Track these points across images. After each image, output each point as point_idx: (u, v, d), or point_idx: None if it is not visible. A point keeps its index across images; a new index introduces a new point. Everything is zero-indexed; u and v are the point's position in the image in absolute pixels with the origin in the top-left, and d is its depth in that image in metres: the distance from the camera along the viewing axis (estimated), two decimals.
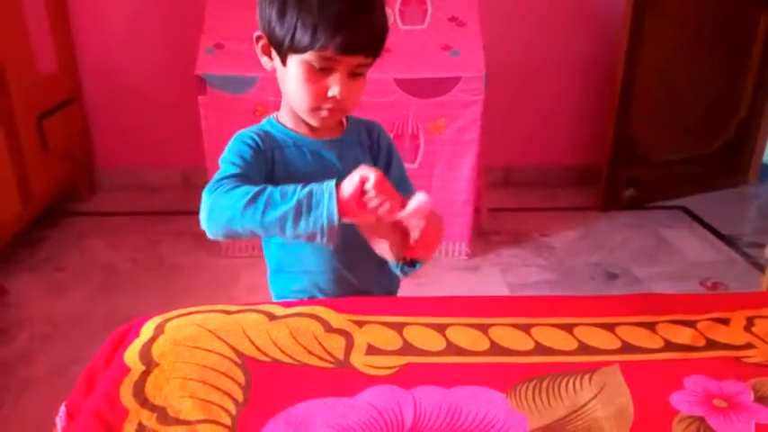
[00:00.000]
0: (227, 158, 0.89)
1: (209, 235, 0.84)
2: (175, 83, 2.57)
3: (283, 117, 0.97)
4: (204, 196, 0.82)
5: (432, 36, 2.08)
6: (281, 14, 0.83)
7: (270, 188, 0.79)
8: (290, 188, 0.78)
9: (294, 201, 0.76)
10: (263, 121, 0.98)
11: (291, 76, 0.87)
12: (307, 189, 0.77)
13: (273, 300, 1.07)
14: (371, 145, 1.01)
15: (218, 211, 0.81)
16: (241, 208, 0.78)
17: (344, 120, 1.00)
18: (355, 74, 0.86)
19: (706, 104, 2.70)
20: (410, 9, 2.10)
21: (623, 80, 2.45)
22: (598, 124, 2.71)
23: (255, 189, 0.79)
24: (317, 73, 0.85)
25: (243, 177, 0.84)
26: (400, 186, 0.96)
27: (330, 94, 0.85)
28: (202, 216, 0.82)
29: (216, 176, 0.85)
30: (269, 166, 0.92)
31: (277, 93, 2.07)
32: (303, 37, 0.81)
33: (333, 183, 0.77)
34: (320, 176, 0.79)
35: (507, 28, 2.62)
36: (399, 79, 2.00)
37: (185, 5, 2.49)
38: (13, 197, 2.09)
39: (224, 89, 1.99)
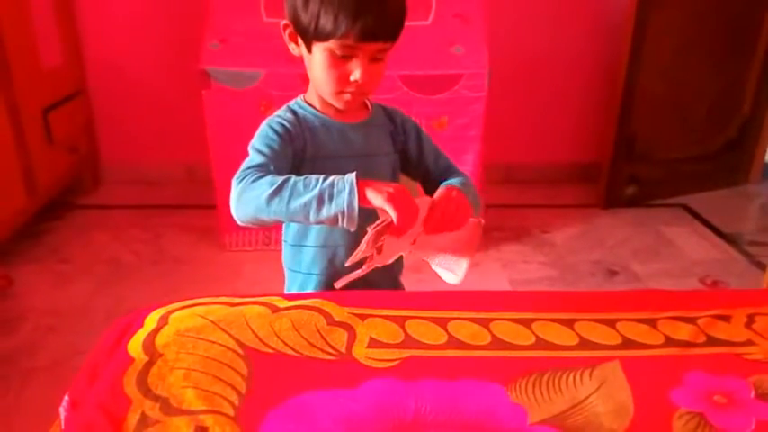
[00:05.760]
0: (256, 146, 0.93)
1: (238, 222, 0.88)
2: (180, 77, 2.57)
3: (311, 98, 1.00)
4: (233, 185, 0.87)
5: (436, 32, 2.08)
6: (305, 4, 0.87)
7: (293, 178, 0.84)
8: (312, 179, 0.83)
9: (317, 190, 0.81)
10: (292, 102, 1.01)
11: (316, 62, 0.91)
12: (329, 180, 0.82)
13: (286, 275, 1.09)
14: (395, 130, 1.05)
15: (246, 200, 0.85)
16: (267, 198, 0.83)
17: (369, 104, 1.04)
18: (376, 58, 0.90)
19: (708, 103, 2.70)
20: (415, 5, 2.09)
21: (626, 78, 2.45)
22: (600, 121, 2.71)
23: (280, 179, 0.84)
24: (340, 59, 0.89)
25: (268, 167, 0.89)
26: (438, 160, 1.07)
27: (352, 78, 0.90)
28: (232, 204, 0.87)
29: (244, 164, 0.90)
30: (300, 148, 0.96)
31: (280, 87, 2.07)
32: (325, 25, 0.85)
33: (353, 175, 0.81)
34: (347, 158, 0.87)
35: (511, 25, 2.61)
36: (403, 76, 2.00)
37: (190, 0, 2.49)
38: (18, 189, 2.10)
39: (228, 84, 1.99)
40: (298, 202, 0.82)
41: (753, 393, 0.78)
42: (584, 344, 0.86)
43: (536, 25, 2.69)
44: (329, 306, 0.90)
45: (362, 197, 0.81)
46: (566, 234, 2.42)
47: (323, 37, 0.87)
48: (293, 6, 0.90)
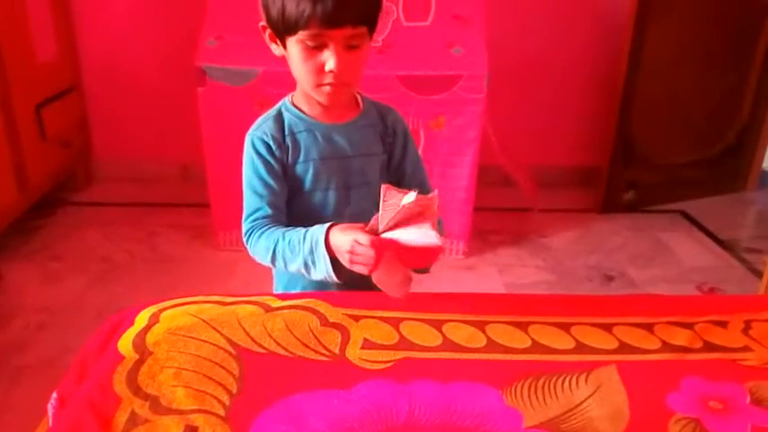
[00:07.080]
0: (248, 182, 0.97)
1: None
2: (175, 74, 2.55)
3: (298, 99, 1.00)
4: (244, 241, 0.98)
5: (435, 33, 2.07)
6: None
7: (280, 244, 0.91)
8: (294, 242, 0.90)
9: (301, 258, 0.89)
10: (279, 104, 1.01)
11: (293, 58, 0.91)
12: (307, 243, 0.88)
13: (275, 278, 1.09)
14: (384, 130, 1.04)
15: (258, 258, 0.97)
16: (270, 261, 0.94)
17: (360, 101, 1.03)
18: (351, 46, 0.89)
19: (707, 109, 2.70)
20: (414, 5, 2.09)
21: (625, 82, 2.44)
22: (599, 126, 2.71)
23: (272, 245, 0.92)
24: (312, 50, 0.88)
25: (266, 211, 0.96)
26: (415, 172, 1.07)
27: (327, 68, 0.89)
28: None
29: (245, 211, 0.97)
30: (284, 156, 0.98)
31: (276, 86, 2.06)
32: (290, 15, 0.85)
33: (323, 244, 0.86)
34: (331, 159, 0.89)
35: (511, 27, 2.61)
36: (401, 76, 1.99)
37: None
38: (10, 185, 2.08)
39: (224, 81, 1.98)
40: (294, 268, 0.91)
41: (748, 399, 0.78)
42: (581, 348, 0.86)
43: (535, 28, 2.68)
44: (323, 306, 0.89)
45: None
46: (563, 238, 2.41)
47: (291, 28, 0.87)
48: (264, 4, 0.90)
